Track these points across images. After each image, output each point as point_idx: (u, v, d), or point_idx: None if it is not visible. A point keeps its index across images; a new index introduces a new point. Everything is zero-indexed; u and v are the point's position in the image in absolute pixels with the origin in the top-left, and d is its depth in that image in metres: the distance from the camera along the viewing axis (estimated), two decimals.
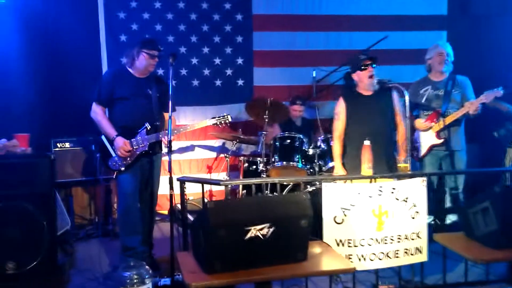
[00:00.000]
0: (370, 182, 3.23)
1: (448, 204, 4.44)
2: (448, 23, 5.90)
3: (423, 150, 4.37)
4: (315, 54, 5.71)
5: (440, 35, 5.89)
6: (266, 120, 4.52)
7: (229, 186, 3.15)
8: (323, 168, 4.46)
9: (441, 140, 4.26)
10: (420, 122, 4.34)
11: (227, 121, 3.82)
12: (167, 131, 3.65)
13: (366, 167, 3.26)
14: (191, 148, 5.55)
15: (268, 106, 4.48)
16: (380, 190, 3.14)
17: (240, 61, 5.63)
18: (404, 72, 5.70)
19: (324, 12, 5.73)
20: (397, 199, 3.18)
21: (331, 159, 4.43)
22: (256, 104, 4.67)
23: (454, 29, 5.85)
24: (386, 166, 3.66)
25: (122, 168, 3.71)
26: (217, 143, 5.61)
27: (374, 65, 3.71)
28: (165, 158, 3.82)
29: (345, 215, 3.09)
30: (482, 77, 5.06)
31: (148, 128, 3.73)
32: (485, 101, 4.00)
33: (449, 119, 4.18)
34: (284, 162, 4.43)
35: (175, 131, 3.78)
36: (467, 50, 5.49)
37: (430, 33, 5.87)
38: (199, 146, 5.58)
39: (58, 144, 4.87)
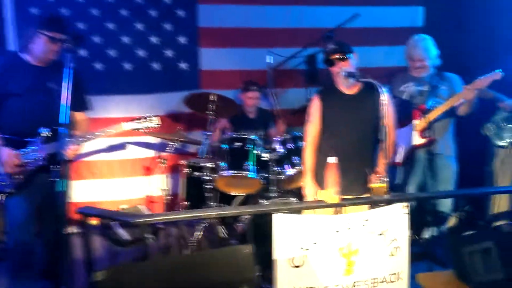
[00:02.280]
0: (336, 212, 2.50)
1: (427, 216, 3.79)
2: None
3: (402, 154, 3.66)
4: (273, 32, 4.83)
5: (416, 11, 5.15)
6: (211, 117, 3.68)
7: (145, 222, 2.31)
8: (280, 176, 3.67)
9: (425, 140, 3.63)
10: None
11: (153, 125, 2.91)
12: (74, 138, 2.81)
13: (332, 193, 2.49)
14: (122, 146, 4.58)
15: (213, 101, 3.64)
16: (349, 223, 2.44)
17: (182, 40, 4.68)
18: (375, 54, 5.00)
19: None
20: (372, 233, 2.50)
21: (290, 165, 3.67)
22: (198, 98, 3.81)
23: (433, 4, 5.08)
24: (364, 188, 2.80)
25: (10, 190, 2.79)
26: (155, 139, 4.69)
27: (346, 57, 2.88)
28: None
29: (305, 256, 2.40)
30: (469, 61, 4.35)
31: (47, 135, 2.82)
32: (481, 86, 3.40)
33: (435, 113, 3.58)
34: (234, 171, 3.61)
35: (83, 138, 2.87)
36: (448, 30, 4.71)
37: (404, 8, 5.13)
38: (133, 143, 4.62)
39: None
